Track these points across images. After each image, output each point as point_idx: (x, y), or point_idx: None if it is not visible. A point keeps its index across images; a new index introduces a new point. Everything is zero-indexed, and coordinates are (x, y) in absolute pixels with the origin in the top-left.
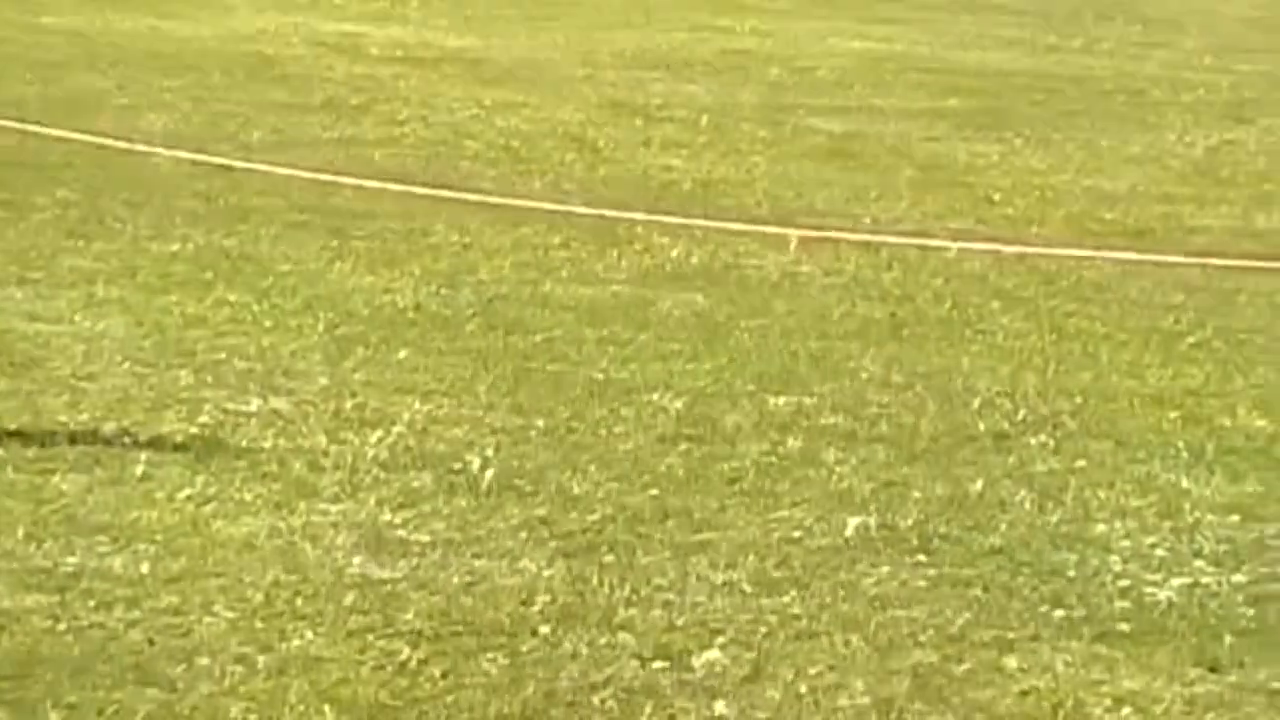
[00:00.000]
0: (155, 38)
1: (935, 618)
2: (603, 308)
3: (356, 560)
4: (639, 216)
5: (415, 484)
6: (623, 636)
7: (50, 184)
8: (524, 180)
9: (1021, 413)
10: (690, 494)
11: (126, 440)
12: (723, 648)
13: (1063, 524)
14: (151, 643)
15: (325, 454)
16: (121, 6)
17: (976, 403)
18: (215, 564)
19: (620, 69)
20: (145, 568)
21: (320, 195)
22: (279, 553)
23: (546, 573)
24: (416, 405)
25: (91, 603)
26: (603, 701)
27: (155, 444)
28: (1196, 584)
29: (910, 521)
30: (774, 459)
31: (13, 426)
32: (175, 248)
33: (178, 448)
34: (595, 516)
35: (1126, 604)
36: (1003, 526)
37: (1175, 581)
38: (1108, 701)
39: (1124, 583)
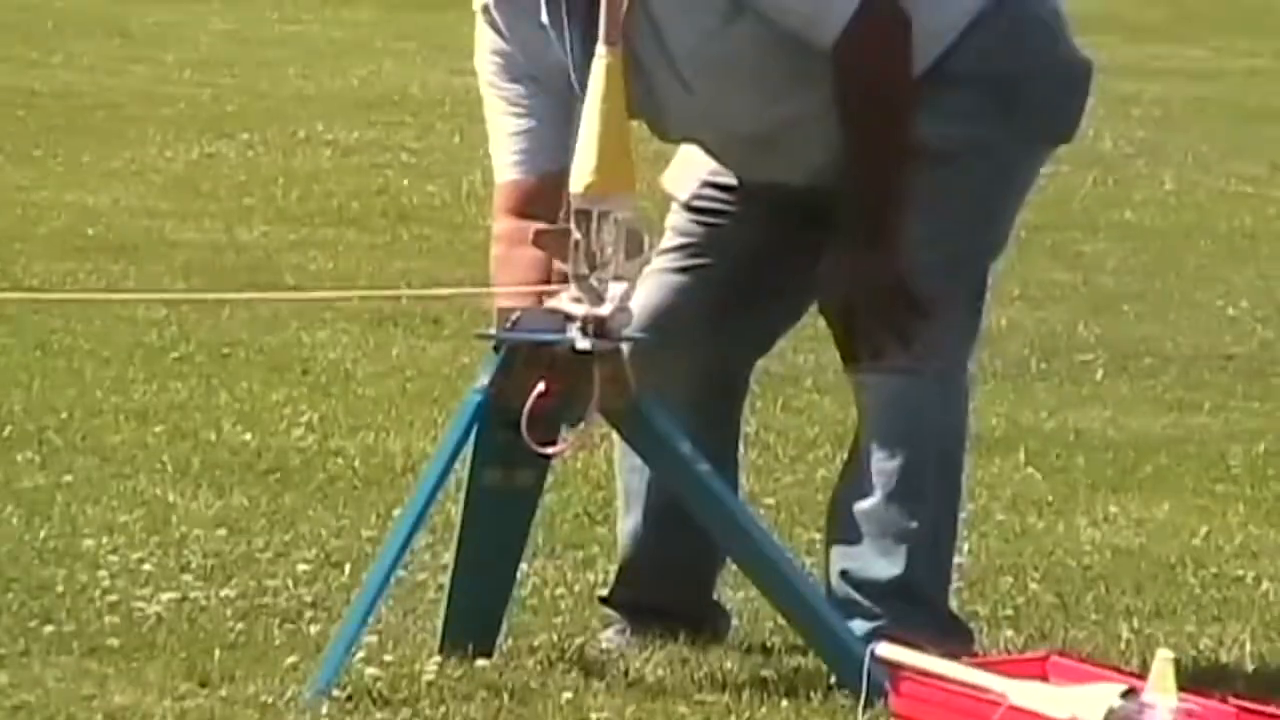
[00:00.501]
0: None
1: None
2: None
3: None
4: None
5: None
6: None
7: None
8: None
9: (8, 429)
10: None
11: None
12: None
13: (50, 539)
14: None
15: None
16: None
17: None
18: None
19: None
20: None
21: None
22: None
23: None
24: None
25: None
26: None
27: None
28: (185, 598)
29: None
30: None
31: None
32: None
33: None
34: None
35: (116, 619)
36: None
37: (164, 596)
38: (99, 717)
39: (113, 598)
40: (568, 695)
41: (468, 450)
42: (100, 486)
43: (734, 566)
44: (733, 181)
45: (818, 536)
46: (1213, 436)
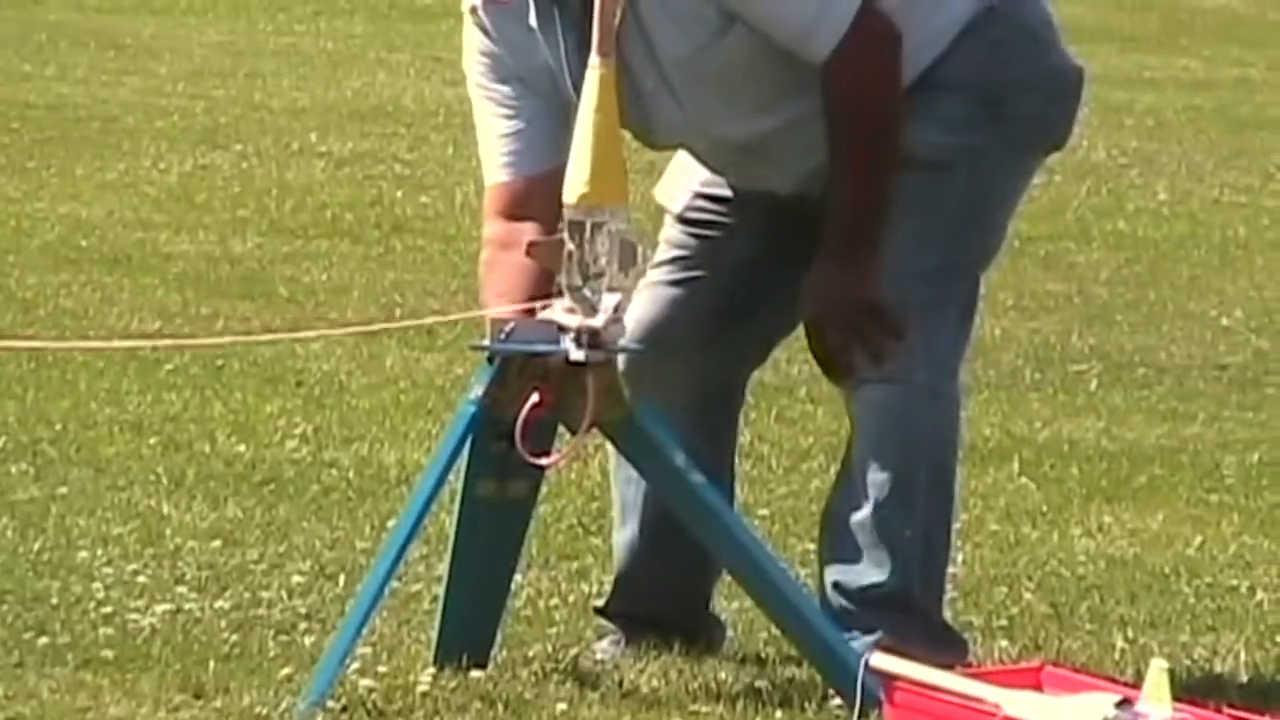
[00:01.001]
0: None
1: None
2: None
3: None
4: None
5: None
6: None
7: None
8: None
9: (2, 441)
10: None
11: None
12: None
13: (44, 551)
14: None
15: None
16: None
17: None
18: None
19: None
20: None
21: None
22: None
23: None
24: None
25: None
26: None
27: None
28: (180, 610)
29: None
30: None
31: None
32: None
33: None
34: None
35: (111, 631)
36: None
37: (159, 608)
38: None
39: (107, 610)
40: (562, 706)
41: (462, 461)
42: (95, 498)
43: (729, 578)
44: (725, 192)
45: (811, 547)
46: (1207, 446)
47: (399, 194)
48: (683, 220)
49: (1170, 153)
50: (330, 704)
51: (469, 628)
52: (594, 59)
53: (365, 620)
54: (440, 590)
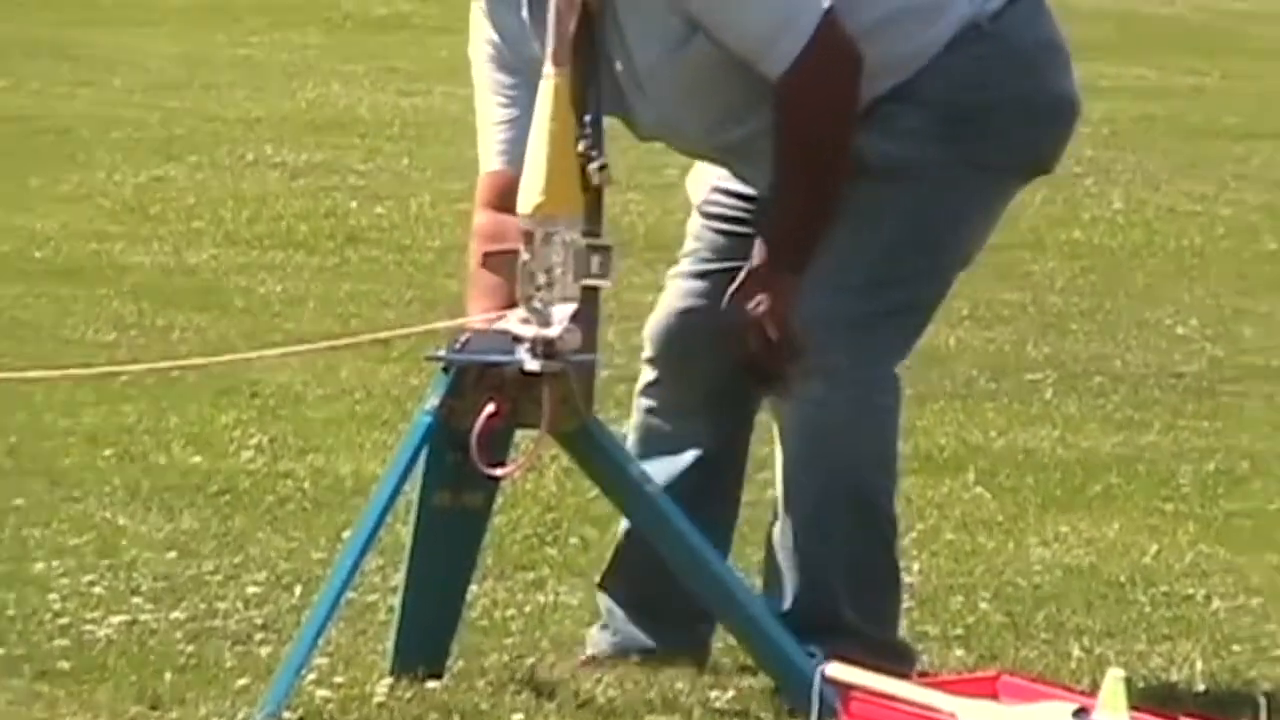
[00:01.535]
0: None
1: None
2: None
3: None
4: None
5: None
6: None
7: None
8: None
9: None
10: None
11: None
12: None
13: (1, 563)
14: None
15: None
16: None
17: None
18: None
19: None
20: None
21: None
22: None
23: None
24: None
25: None
26: None
27: None
28: (136, 621)
29: None
30: None
31: None
32: None
33: None
34: None
35: (66, 642)
36: None
37: (115, 619)
38: None
39: (63, 621)
40: (518, 717)
41: (417, 472)
42: (50, 510)
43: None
44: (741, 188)
45: None
46: (1162, 455)
47: (354, 205)
48: (704, 214)
49: (1125, 161)
50: (286, 714)
51: (425, 638)
52: (548, 67)
53: (321, 630)
54: (396, 600)
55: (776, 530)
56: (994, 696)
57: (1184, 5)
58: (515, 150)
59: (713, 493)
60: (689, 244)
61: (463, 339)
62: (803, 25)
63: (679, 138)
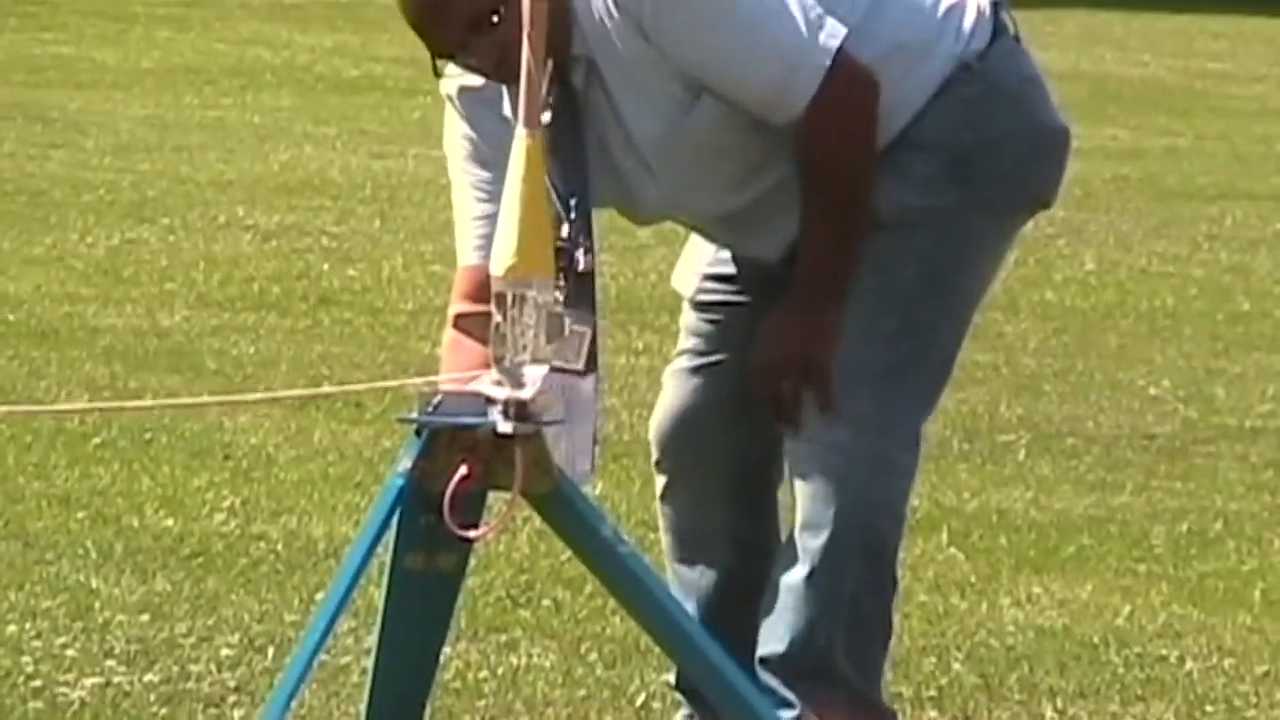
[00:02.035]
0: None
1: None
2: None
3: None
4: None
5: None
6: None
7: None
8: None
9: None
10: None
11: None
12: None
13: None
14: None
15: None
16: None
17: None
18: None
19: None
20: None
21: None
22: None
23: None
24: None
25: None
26: None
27: None
28: (109, 683)
29: None
30: None
31: None
32: None
33: None
34: None
35: (40, 705)
36: None
37: (88, 681)
38: None
39: (36, 683)
40: None
41: (390, 534)
42: (23, 572)
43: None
44: (730, 270)
45: None
46: (1135, 516)
47: (326, 267)
48: (696, 305)
49: (1098, 222)
50: None
51: (398, 701)
52: (520, 130)
53: (294, 693)
54: (369, 663)
55: (787, 569)
56: None
57: (1158, 66)
58: (493, 245)
59: (756, 582)
60: (684, 340)
61: (435, 401)
62: (814, 64)
63: (689, 211)
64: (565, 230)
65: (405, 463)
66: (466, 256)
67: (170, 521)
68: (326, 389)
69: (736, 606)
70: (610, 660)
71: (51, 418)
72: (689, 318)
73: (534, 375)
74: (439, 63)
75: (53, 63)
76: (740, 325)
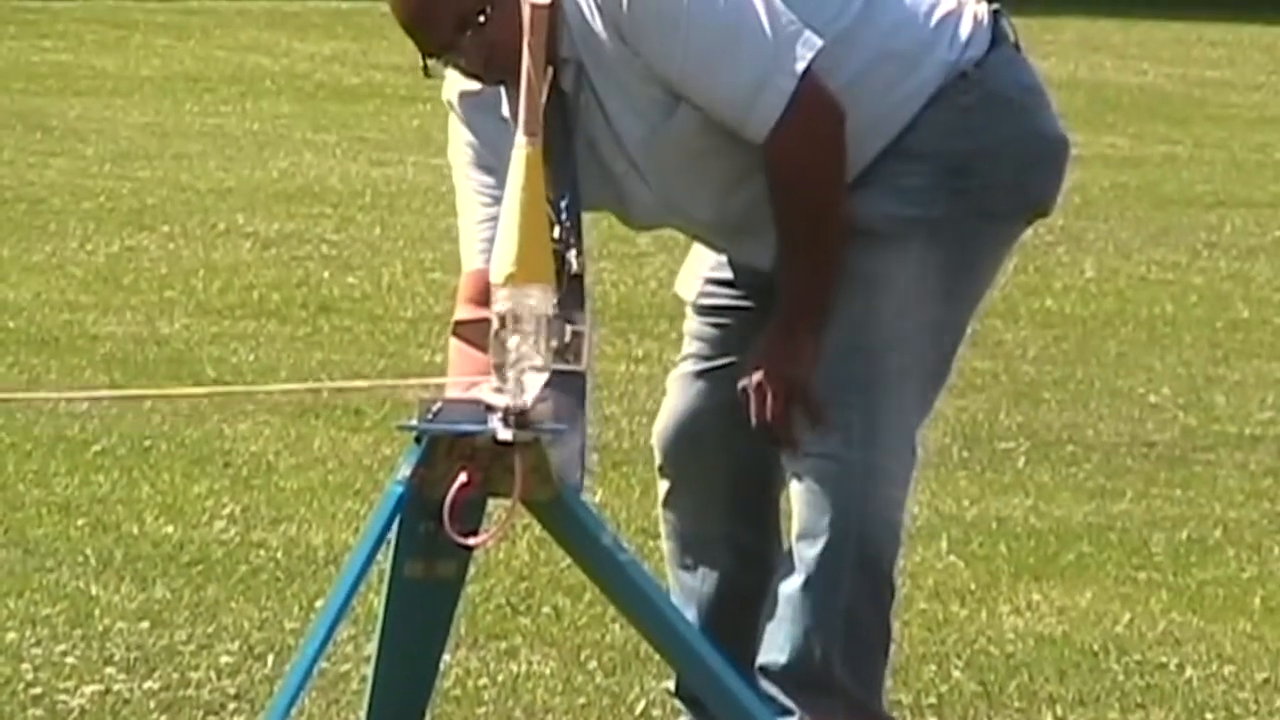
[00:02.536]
0: None
1: None
2: None
3: None
4: None
5: None
6: None
7: None
8: None
9: None
10: None
11: None
12: None
13: None
14: None
15: None
16: None
17: None
18: None
19: None
20: None
21: None
22: None
23: None
24: None
25: None
26: None
27: None
28: (109, 691)
29: None
30: None
31: None
32: None
33: None
34: None
35: (39, 712)
36: None
37: (88, 689)
38: None
39: (36, 691)
40: None
41: (390, 541)
42: (23, 580)
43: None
44: (731, 275)
45: None
46: (1135, 524)
47: (326, 274)
48: (698, 309)
49: (1097, 230)
50: None
51: (398, 708)
52: (520, 138)
53: (294, 701)
54: (369, 670)
55: (785, 579)
56: None
57: (1157, 74)
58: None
59: (757, 588)
60: (687, 345)
61: (435, 408)
62: (779, 86)
63: (683, 216)
64: (556, 232)
65: (405, 470)
66: (471, 261)
67: (170, 529)
68: (325, 384)
69: (737, 613)
70: (610, 668)
71: (51, 425)
72: (692, 323)
73: (534, 383)
74: (430, 63)
75: (52, 70)
76: (744, 330)
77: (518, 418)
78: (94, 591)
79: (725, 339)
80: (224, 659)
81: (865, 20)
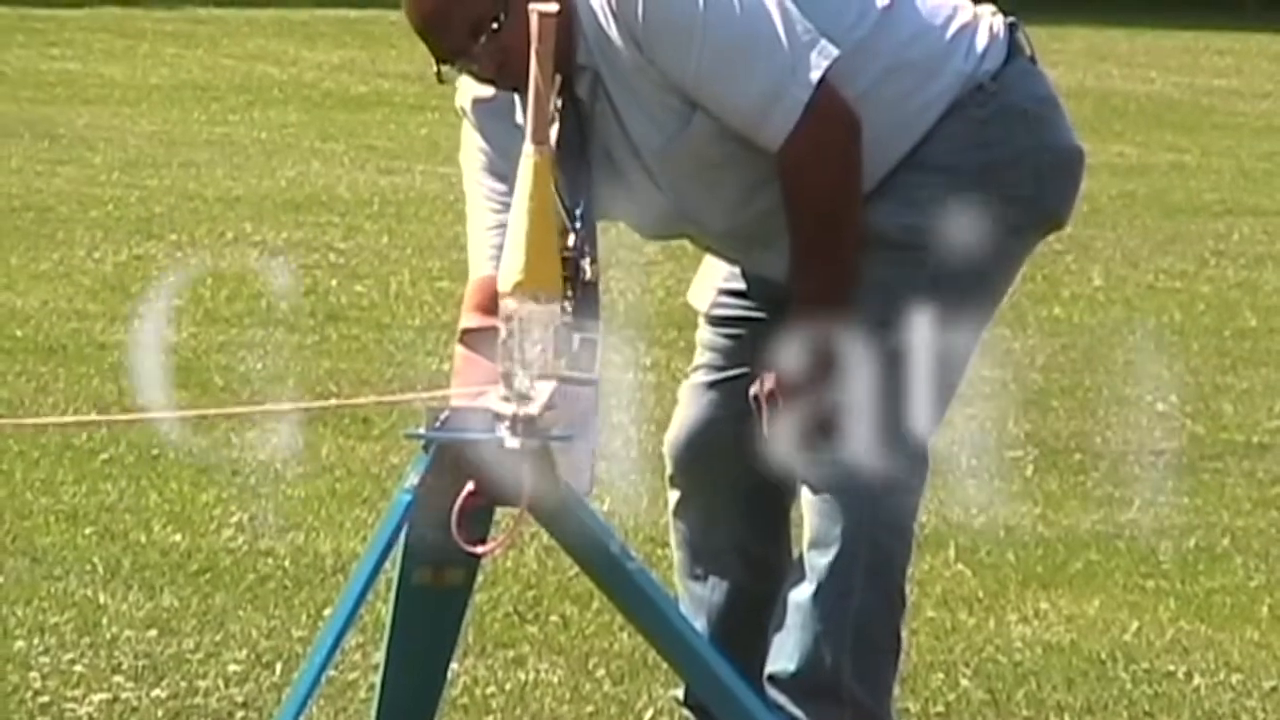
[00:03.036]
0: None
1: None
2: None
3: None
4: None
5: None
6: None
7: None
8: None
9: None
10: None
11: None
12: None
13: None
14: None
15: None
16: None
17: None
18: None
19: None
20: None
21: None
22: None
23: None
24: None
25: None
26: None
27: None
28: (117, 699)
29: None
30: None
31: None
32: None
33: None
34: None
35: None
36: None
37: (96, 697)
38: None
39: (44, 699)
40: None
41: (398, 550)
42: (31, 588)
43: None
44: (745, 286)
45: None
46: (1143, 532)
47: (334, 283)
48: (711, 320)
49: (1105, 238)
50: None
51: (405, 716)
52: (527, 146)
53: (301, 709)
54: (377, 679)
55: (794, 587)
56: None
57: (1164, 82)
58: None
59: (768, 598)
60: (700, 355)
61: (442, 417)
62: (794, 95)
63: (697, 226)
64: (570, 240)
65: (413, 478)
66: (479, 267)
67: (178, 537)
68: (333, 403)
69: (747, 623)
70: (618, 676)
71: (59, 433)
72: (705, 332)
73: (541, 391)
74: (443, 69)
75: (60, 79)
76: (756, 340)
77: (525, 426)
78: (102, 600)
79: (738, 349)
80: (232, 667)
81: (882, 30)
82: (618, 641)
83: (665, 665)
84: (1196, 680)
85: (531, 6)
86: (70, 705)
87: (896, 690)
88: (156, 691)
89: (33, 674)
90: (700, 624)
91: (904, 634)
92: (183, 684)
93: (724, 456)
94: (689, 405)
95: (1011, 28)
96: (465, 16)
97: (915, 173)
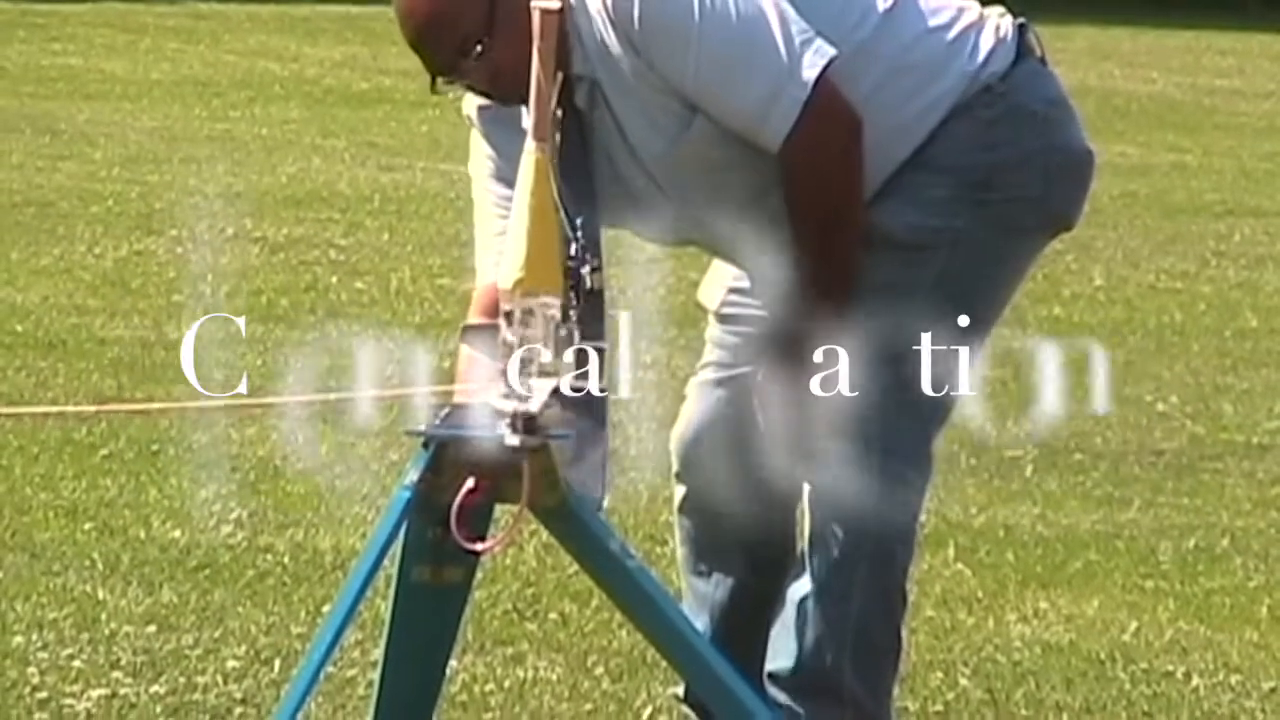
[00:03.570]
0: None
1: None
2: None
3: None
4: None
5: None
6: None
7: None
8: None
9: None
10: None
11: None
12: None
13: None
14: None
15: None
16: None
17: None
18: None
19: None
20: None
21: None
22: None
23: None
24: None
25: None
26: None
27: None
28: (115, 695)
29: None
30: None
31: None
32: None
33: None
34: None
35: (45, 716)
36: None
37: (94, 693)
38: None
39: (42, 695)
40: None
41: (397, 547)
42: (29, 583)
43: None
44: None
45: None
46: (1142, 532)
47: (334, 279)
48: (720, 318)
49: (1106, 238)
50: None
51: (404, 713)
52: (529, 143)
53: (300, 705)
54: (375, 676)
55: (796, 585)
56: None
57: (1166, 82)
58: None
59: (771, 596)
60: (709, 352)
61: (443, 413)
62: (792, 95)
63: (703, 230)
64: (572, 249)
65: (412, 475)
66: (487, 274)
67: (177, 533)
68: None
69: (750, 620)
70: (617, 674)
71: (58, 428)
72: (714, 330)
73: (541, 389)
74: (438, 82)
75: (61, 74)
76: (765, 339)
77: (525, 423)
78: (101, 595)
79: (746, 348)
80: (231, 663)
81: (884, 32)
82: (617, 639)
83: (664, 663)
84: (1195, 681)
85: (533, 4)
86: (69, 701)
87: (895, 689)
88: (155, 687)
89: (31, 669)
90: (703, 620)
91: (905, 634)
92: (181, 680)
93: (730, 454)
94: (696, 402)
95: (1021, 29)
96: (451, 37)
97: (922, 173)
